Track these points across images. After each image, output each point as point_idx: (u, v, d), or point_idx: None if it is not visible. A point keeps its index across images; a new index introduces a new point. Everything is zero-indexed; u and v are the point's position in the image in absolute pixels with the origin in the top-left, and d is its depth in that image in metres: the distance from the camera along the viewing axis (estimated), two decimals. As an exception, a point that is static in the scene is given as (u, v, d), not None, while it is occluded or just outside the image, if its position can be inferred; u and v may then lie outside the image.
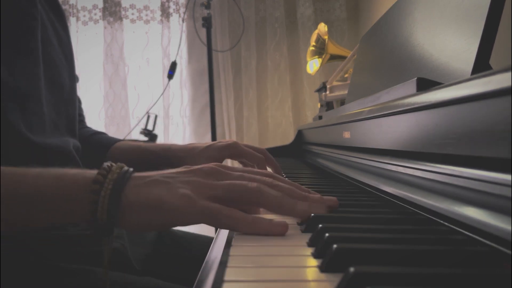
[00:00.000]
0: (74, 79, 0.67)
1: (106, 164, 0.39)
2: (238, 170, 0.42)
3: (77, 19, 2.36)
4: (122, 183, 0.37)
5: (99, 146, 0.76)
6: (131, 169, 0.39)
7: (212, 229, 2.23)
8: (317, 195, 0.44)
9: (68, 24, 2.37)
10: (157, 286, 0.54)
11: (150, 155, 0.73)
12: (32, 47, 0.55)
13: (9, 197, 0.36)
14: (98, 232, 0.37)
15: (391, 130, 0.50)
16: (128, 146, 0.76)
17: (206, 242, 0.75)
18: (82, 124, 0.83)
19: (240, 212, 0.38)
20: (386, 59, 0.75)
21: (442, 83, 0.41)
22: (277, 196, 0.40)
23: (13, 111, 0.52)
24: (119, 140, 0.79)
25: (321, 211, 0.41)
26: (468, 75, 0.42)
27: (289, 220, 0.44)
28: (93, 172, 0.38)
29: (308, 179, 0.76)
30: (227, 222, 0.37)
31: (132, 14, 2.38)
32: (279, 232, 0.37)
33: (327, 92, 1.51)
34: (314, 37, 1.77)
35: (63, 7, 2.33)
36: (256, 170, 0.43)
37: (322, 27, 1.70)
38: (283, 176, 0.73)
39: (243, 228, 0.37)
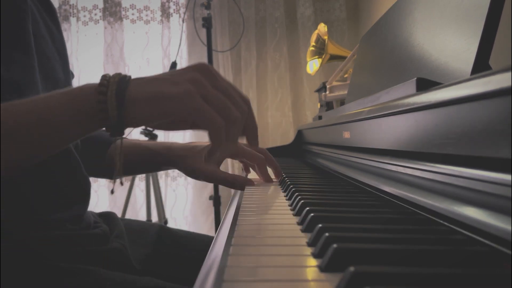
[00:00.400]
0: (68, 74, 0.67)
1: (106, 74, 0.42)
2: (224, 80, 0.45)
3: (77, 19, 2.36)
4: (124, 83, 0.41)
5: (99, 142, 0.75)
6: (130, 75, 0.43)
7: (213, 228, 2.23)
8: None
9: (68, 25, 2.37)
10: (157, 286, 0.54)
11: (151, 153, 0.73)
12: (25, 40, 0.55)
13: (26, 124, 0.40)
14: (112, 129, 0.41)
15: (391, 131, 0.50)
16: (129, 143, 0.76)
17: (206, 242, 0.75)
18: None
19: (222, 127, 0.42)
20: (386, 59, 0.75)
21: (442, 83, 0.41)
22: (235, 134, 0.44)
23: None
24: None
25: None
26: (468, 75, 0.42)
27: (289, 220, 0.44)
28: (96, 82, 0.42)
29: (308, 178, 0.76)
30: (214, 131, 0.42)
31: (132, 14, 2.39)
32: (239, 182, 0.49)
33: (327, 92, 1.51)
34: (314, 37, 1.77)
35: (63, 7, 2.33)
36: (238, 93, 0.47)
37: (322, 27, 1.70)
38: (282, 175, 0.73)
39: (218, 142, 0.43)
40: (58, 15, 0.71)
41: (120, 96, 0.40)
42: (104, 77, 0.41)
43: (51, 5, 0.67)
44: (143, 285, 0.53)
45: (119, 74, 0.42)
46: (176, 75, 0.43)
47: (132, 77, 0.44)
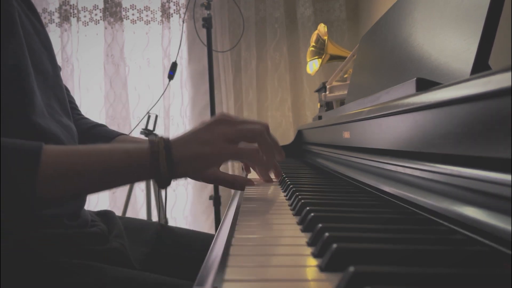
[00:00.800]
0: (56, 66, 0.68)
1: (151, 138, 0.51)
2: (239, 118, 0.56)
3: (78, 19, 2.36)
4: (169, 147, 0.50)
5: (100, 139, 0.75)
6: (167, 137, 0.52)
7: (213, 228, 2.23)
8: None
9: (69, 25, 2.37)
10: (157, 281, 0.54)
11: None
12: (16, 31, 0.56)
13: (93, 171, 0.48)
14: (162, 184, 0.50)
15: (390, 131, 0.50)
16: (130, 141, 0.76)
17: (206, 240, 0.75)
18: (77, 111, 0.83)
19: (256, 153, 0.55)
20: (385, 59, 0.75)
21: (442, 84, 0.41)
22: (270, 143, 0.56)
23: (17, 94, 0.53)
24: (120, 134, 0.79)
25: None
26: (468, 76, 0.42)
27: (289, 220, 0.44)
28: (146, 145, 0.50)
29: (308, 178, 0.76)
30: (249, 158, 0.55)
31: (133, 14, 2.39)
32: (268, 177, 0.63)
33: (327, 92, 1.51)
34: (314, 37, 1.77)
35: (64, 7, 2.33)
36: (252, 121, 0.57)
37: (322, 28, 1.70)
38: (282, 175, 0.73)
39: (259, 163, 0.57)
40: (58, 15, 0.71)
41: (169, 160, 0.49)
42: (153, 143, 0.50)
43: (31, 4, 0.68)
44: (143, 280, 0.53)
45: (162, 138, 0.51)
46: (206, 133, 0.52)
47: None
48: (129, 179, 0.52)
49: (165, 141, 0.51)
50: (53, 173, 0.46)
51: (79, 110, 0.84)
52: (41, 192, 0.45)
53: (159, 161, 0.49)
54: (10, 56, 0.54)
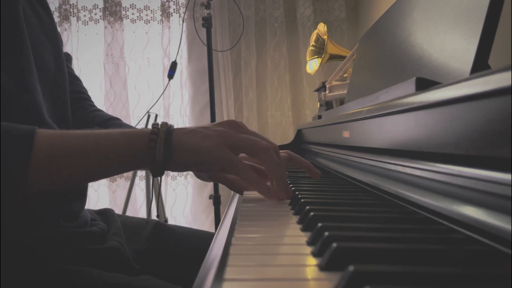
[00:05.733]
0: (61, 60, 0.67)
1: (155, 123, 0.50)
2: (250, 130, 0.54)
3: (78, 18, 2.36)
4: (170, 134, 0.49)
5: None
6: (173, 125, 0.51)
7: (213, 227, 2.23)
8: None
9: (69, 24, 2.37)
10: (152, 286, 0.54)
11: None
12: (19, 29, 0.56)
13: (90, 153, 0.46)
14: (155, 171, 0.49)
15: (390, 130, 0.50)
16: None
17: (204, 238, 0.75)
18: (89, 102, 0.82)
19: (252, 171, 0.50)
20: (385, 59, 0.76)
21: (441, 83, 0.41)
22: (277, 161, 0.51)
23: (21, 92, 0.53)
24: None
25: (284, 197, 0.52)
26: (467, 75, 0.42)
27: (289, 220, 0.44)
28: (147, 129, 0.49)
29: (308, 178, 0.76)
30: (242, 174, 0.50)
31: (133, 14, 2.39)
32: (270, 197, 0.52)
33: (327, 92, 1.51)
34: (313, 37, 1.77)
35: (64, 6, 2.33)
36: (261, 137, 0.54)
37: (322, 27, 1.70)
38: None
39: (250, 181, 0.51)
40: (58, 14, 0.71)
41: (167, 145, 0.48)
42: (155, 127, 0.49)
43: None
44: (138, 285, 0.52)
45: (166, 124, 0.50)
46: (209, 129, 0.50)
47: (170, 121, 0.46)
48: (125, 164, 0.49)
49: (168, 126, 0.50)
50: (46, 157, 0.44)
51: (92, 102, 0.83)
52: (34, 178, 0.43)
53: (156, 142, 0.47)
54: (13, 60, 0.54)
